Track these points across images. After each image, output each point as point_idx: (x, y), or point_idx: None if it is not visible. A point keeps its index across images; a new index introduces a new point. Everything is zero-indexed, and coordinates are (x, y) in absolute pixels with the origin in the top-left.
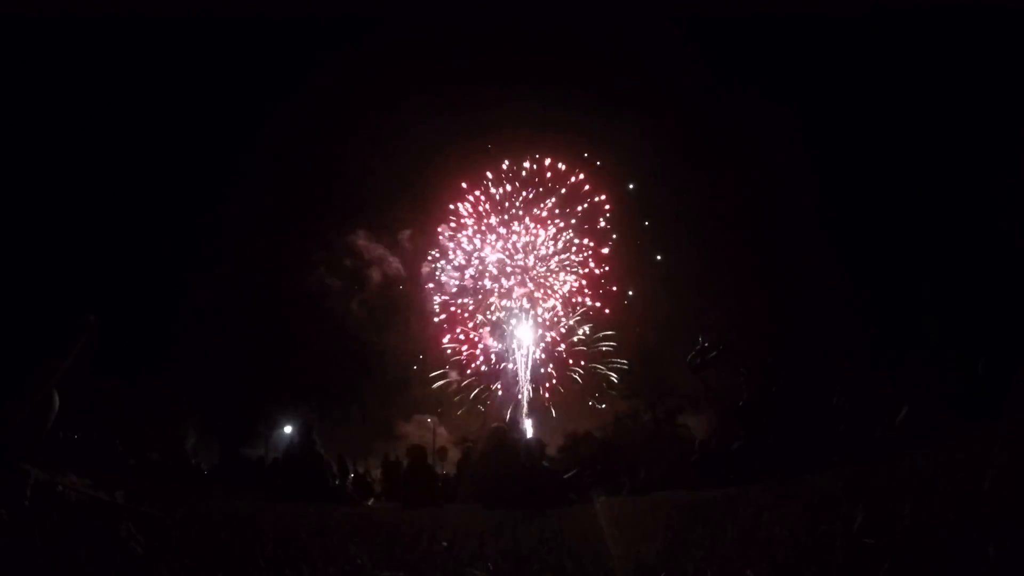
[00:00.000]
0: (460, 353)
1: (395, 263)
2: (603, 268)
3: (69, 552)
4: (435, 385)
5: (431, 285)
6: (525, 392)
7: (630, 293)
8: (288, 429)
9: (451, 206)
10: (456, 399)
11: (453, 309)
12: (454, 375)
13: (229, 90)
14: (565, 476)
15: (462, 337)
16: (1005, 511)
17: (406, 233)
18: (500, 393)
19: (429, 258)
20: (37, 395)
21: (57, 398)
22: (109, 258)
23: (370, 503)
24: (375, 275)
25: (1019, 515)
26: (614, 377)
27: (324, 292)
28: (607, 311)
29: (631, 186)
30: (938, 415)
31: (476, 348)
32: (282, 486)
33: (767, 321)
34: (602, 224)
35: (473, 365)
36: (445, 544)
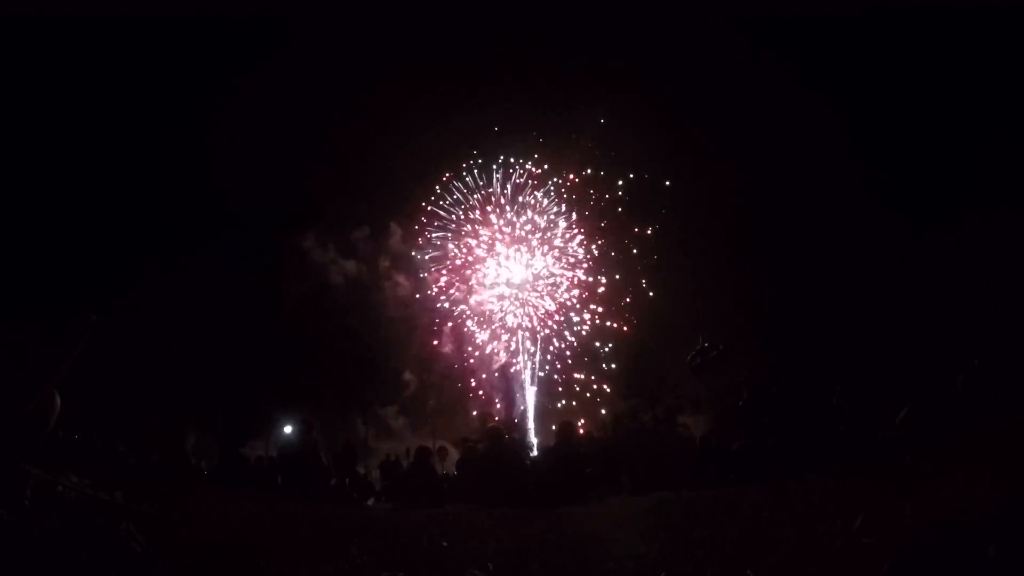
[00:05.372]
0: (454, 355)
1: (386, 262)
2: (597, 270)
3: (69, 552)
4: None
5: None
6: (527, 392)
7: (627, 301)
8: (288, 429)
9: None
10: (455, 399)
11: (443, 308)
12: (447, 375)
13: (194, 91)
14: (587, 470)
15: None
16: (1005, 511)
17: (396, 230)
18: (499, 394)
19: (421, 255)
20: (38, 395)
21: (58, 398)
22: (109, 259)
23: (370, 503)
24: (363, 274)
25: (1019, 515)
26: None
27: (317, 292)
28: (608, 318)
29: (626, 180)
30: (938, 415)
31: (469, 350)
32: (282, 486)
33: (767, 321)
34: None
35: (474, 368)
36: (445, 544)
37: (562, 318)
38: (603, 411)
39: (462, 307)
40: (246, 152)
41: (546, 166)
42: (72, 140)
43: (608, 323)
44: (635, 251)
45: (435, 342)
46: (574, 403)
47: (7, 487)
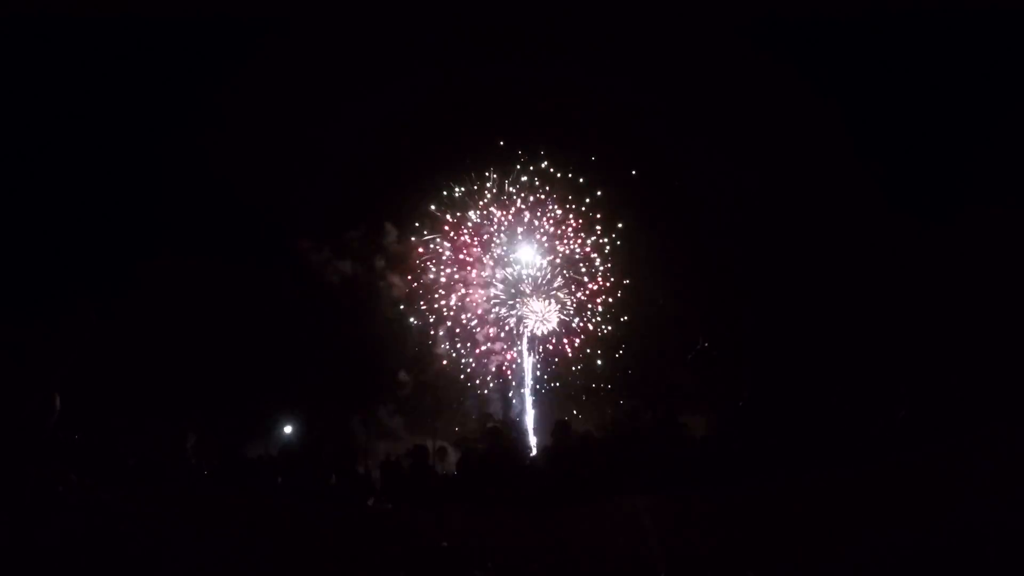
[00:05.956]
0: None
1: (382, 262)
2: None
3: (69, 552)
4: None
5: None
6: (526, 390)
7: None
8: (288, 429)
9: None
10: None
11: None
12: (443, 374)
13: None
14: (586, 471)
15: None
16: (1005, 511)
17: (391, 230)
18: (497, 394)
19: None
20: (38, 395)
21: (58, 400)
22: (109, 259)
23: (370, 503)
24: (359, 274)
25: (1019, 515)
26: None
27: (314, 292)
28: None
29: (626, 178)
30: (938, 415)
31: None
32: (282, 486)
33: (767, 321)
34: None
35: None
36: (445, 544)
37: (561, 317)
38: (604, 411)
39: (458, 306)
40: (243, 152)
41: (543, 152)
42: (71, 141)
43: (607, 326)
44: (638, 250)
45: (431, 341)
46: (574, 405)
47: (7, 487)
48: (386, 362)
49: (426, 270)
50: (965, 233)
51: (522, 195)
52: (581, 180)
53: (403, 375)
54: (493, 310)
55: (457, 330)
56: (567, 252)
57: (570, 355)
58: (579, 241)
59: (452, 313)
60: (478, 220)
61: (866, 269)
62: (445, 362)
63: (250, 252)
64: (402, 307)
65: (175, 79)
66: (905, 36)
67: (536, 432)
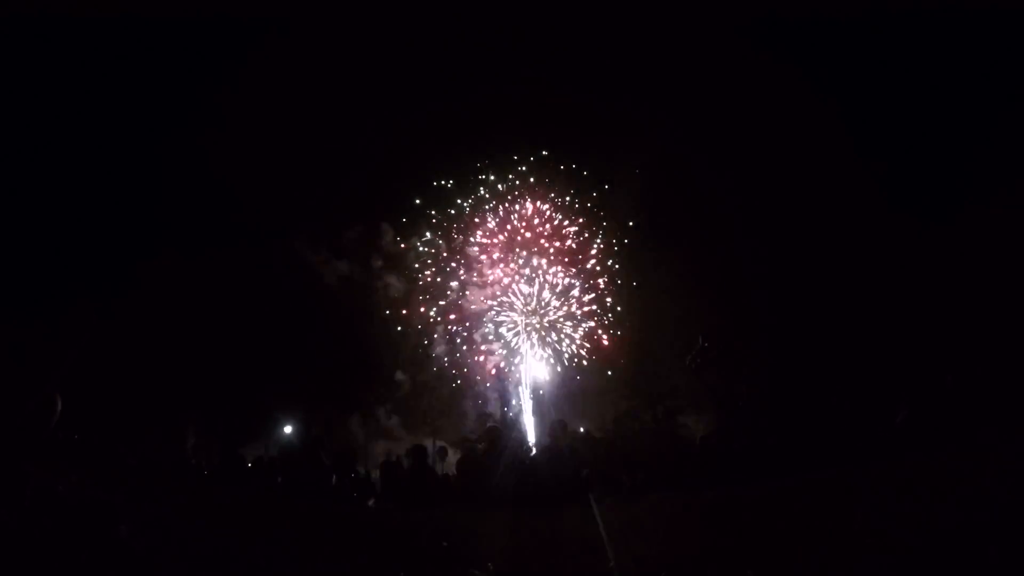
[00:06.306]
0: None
1: (379, 262)
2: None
3: (69, 552)
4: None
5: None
6: (525, 390)
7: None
8: (288, 429)
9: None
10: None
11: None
12: (441, 375)
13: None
14: (585, 471)
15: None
16: (1005, 511)
17: (388, 230)
18: (496, 394)
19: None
20: (38, 395)
21: (59, 400)
22: (108, 260)
23: (370, 503)
24: (356, 274)
25: (1019, 515)
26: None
27: (315, 291)
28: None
29: (621, 176)
30: (939, 416)
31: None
32: (282, 486)
33: (767, 321)
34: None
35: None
36: (445, 544)
37: (559, 315)
38: (604, 410)
39: (457, 305)
40: (242, 152)
41: (545, 150)
42: (71, 141)
43: (615, 330)
44: (639, 250)
45: (428, 342)
46: (573, 404)
47: (7, 487)
48: (385, 362)
49: (423, 269)
50: (965, 233)
51: (521, 190)
52: (585, 172)
53: (401, 375)
54: (490, 312)
55: (451, 334)
56: (569, 251)
57: (574, 363)
58: (584, 238)
59: (450, 313)
60: (475, 219)
61: (866, 269)
62: (436, 368)
63: (250, 252)
64: (400, 308)
65: (175, 79)
66: (905, 36)
67: (536, 432)
